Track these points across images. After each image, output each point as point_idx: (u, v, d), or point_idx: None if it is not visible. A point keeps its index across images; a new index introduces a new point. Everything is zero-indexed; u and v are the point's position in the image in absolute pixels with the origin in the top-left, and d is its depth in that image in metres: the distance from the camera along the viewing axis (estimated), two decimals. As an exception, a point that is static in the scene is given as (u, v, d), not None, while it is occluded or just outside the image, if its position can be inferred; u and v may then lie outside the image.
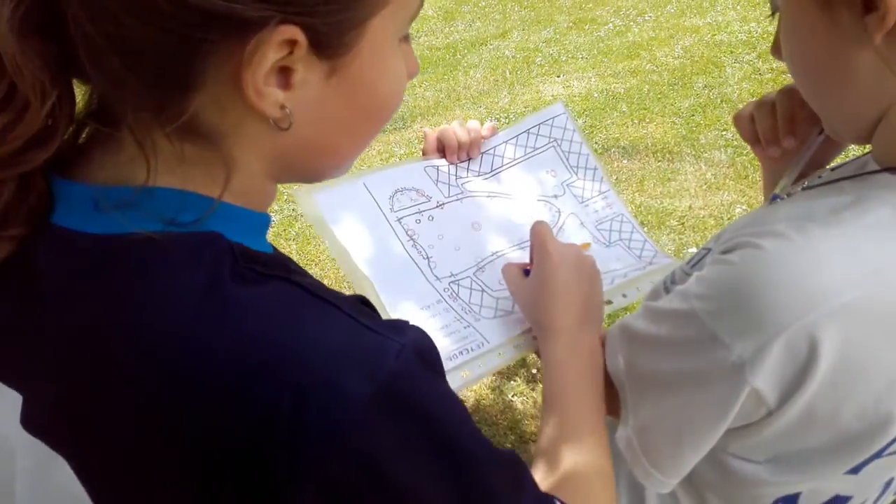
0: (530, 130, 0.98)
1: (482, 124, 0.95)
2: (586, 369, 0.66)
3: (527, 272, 0.76)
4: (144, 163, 0.40)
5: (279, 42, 0.37)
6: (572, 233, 0.91)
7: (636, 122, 3.35)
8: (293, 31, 0.37)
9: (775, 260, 0.50)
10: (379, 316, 0.44)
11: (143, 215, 0.40)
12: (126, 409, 0.39)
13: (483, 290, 0.83)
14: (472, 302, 0.82)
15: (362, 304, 0.44)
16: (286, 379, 0.36)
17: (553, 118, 0.98)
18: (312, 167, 0.47)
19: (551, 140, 0.97)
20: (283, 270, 0.42)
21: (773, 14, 0.59)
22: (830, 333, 0.48)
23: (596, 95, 3.62)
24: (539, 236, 0.74)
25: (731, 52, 3.76)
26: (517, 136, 0.97)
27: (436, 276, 0.83)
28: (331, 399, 0.36)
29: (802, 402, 0.51)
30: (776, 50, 0.60)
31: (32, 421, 0.43)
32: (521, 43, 4.43)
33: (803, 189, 0.63)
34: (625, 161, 3.07)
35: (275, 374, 0.36)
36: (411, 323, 0.43)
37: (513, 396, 2.07)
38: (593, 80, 3.80)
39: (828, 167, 0.67)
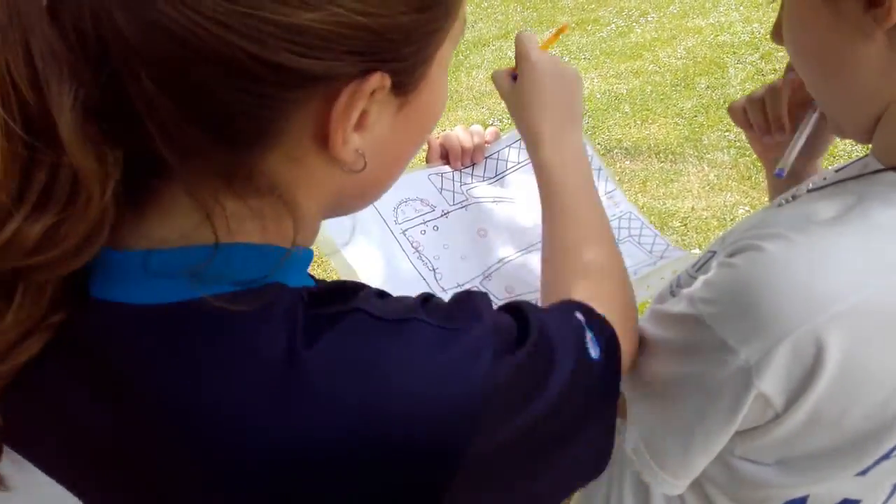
0: None
1: (485, 127, 0.95)
2: (575, 167, 0.68)
3: (515, 77, 0.77)
4: (201, 222, 0.37)
5: (370, 90, 0.37)
6: None
7: (639, 123, 3.34)
8: (381, 79, 0.37)
9: (778, 263, 0.50)
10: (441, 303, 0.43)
11: (206, 278, 0.37)
12: None
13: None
14: None
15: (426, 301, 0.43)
16: (395, 429, 0.35)
17: None
18: (362, 200, 0.47)
19: None
20: (343, 300, 0.40)
21: None
22: (837, 336, 0.48)
23: (598, 96, 3.61)
24: (523, 46, 0.72)
25: (734, 52, 3.75)
26: (519, 139, 0.97)
27: (442, 288, 0.83)
28: (442, 426, 0.35)
29: (809, 404, 0.51)
30: (777, 35, 0.59)
31: None
32: (524, 44, 4.44)
33: (808, 191, 0.63)
34: (627, 162, 3.06)
35: (380, 432, 0.35)
36: (469, 289, 0.43)
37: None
38: (596, 80, 3.79)
39: (832, 168, 0.66)
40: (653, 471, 0.61)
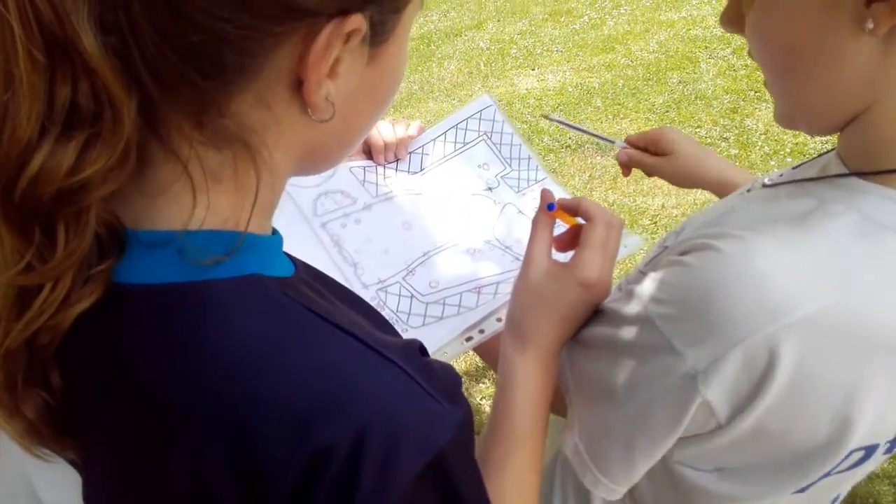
0: (458, 125, 0.95)
1: (409, 124, 0.93)
2: (550, 389, 0.61)
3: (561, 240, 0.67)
4: (182, 187, 0.37)
5: (346, 32, 0.37)
6: (512, 221, 0.90)
7: (610, 117, 3.31)
8: (360, 21, 0.37)
9: (734, 266, 0.47)
10: (429, 359, 0.43)
11: (188, 257, 0.38)
12: (178, 464, 0.38)
13: (412, 297, 0.80)
14: (399, 310, 0.79)
15: (418, 351, 0.43)
16: (350, 420, 0.36)
17: (481, 111, 0.96)
18: (328, 159, 0.47)
19: (481, 133, 0.95)
20: (330, 313, 0.40)
21: None
22: (790, 346, 0.46)
23: (571, 90, 3.58)
24: (593, 240, 0.61)
25: (706, 47, 3.74)
26: (445, 132, 0.95)
27: (363, 284, 0.80)
28: (384, 460, 0.35)
29: (753, 417, 0.49)
30: (730, 21, 0.54)
31: (92, 498, 0.42)
32: (496, 35, 4.37)
33: (764, 186, 0.60)
34: (598, 157, 3.03)
35: (341, 414, 0.36)
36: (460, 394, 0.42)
37: (481, 399, 2.03)
38: (568, 73, 3.76)
39: (790, 166, 0.63)
40: (593, 475, 0.58)
